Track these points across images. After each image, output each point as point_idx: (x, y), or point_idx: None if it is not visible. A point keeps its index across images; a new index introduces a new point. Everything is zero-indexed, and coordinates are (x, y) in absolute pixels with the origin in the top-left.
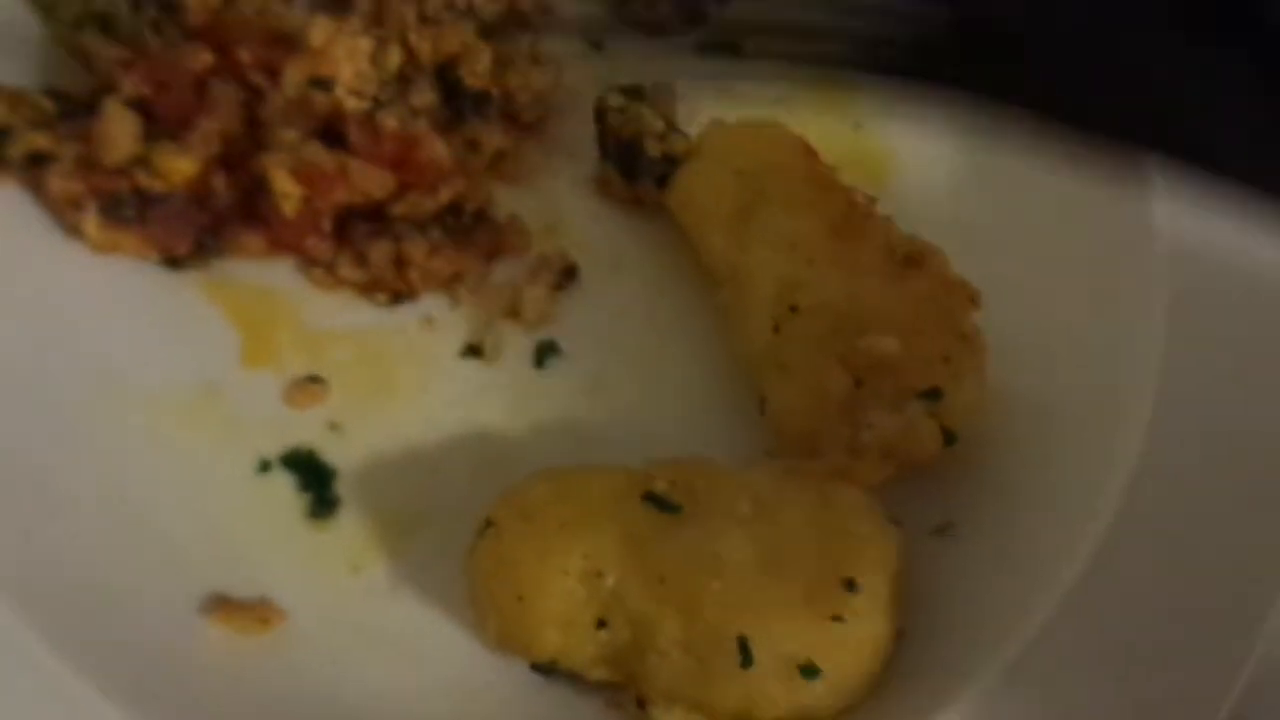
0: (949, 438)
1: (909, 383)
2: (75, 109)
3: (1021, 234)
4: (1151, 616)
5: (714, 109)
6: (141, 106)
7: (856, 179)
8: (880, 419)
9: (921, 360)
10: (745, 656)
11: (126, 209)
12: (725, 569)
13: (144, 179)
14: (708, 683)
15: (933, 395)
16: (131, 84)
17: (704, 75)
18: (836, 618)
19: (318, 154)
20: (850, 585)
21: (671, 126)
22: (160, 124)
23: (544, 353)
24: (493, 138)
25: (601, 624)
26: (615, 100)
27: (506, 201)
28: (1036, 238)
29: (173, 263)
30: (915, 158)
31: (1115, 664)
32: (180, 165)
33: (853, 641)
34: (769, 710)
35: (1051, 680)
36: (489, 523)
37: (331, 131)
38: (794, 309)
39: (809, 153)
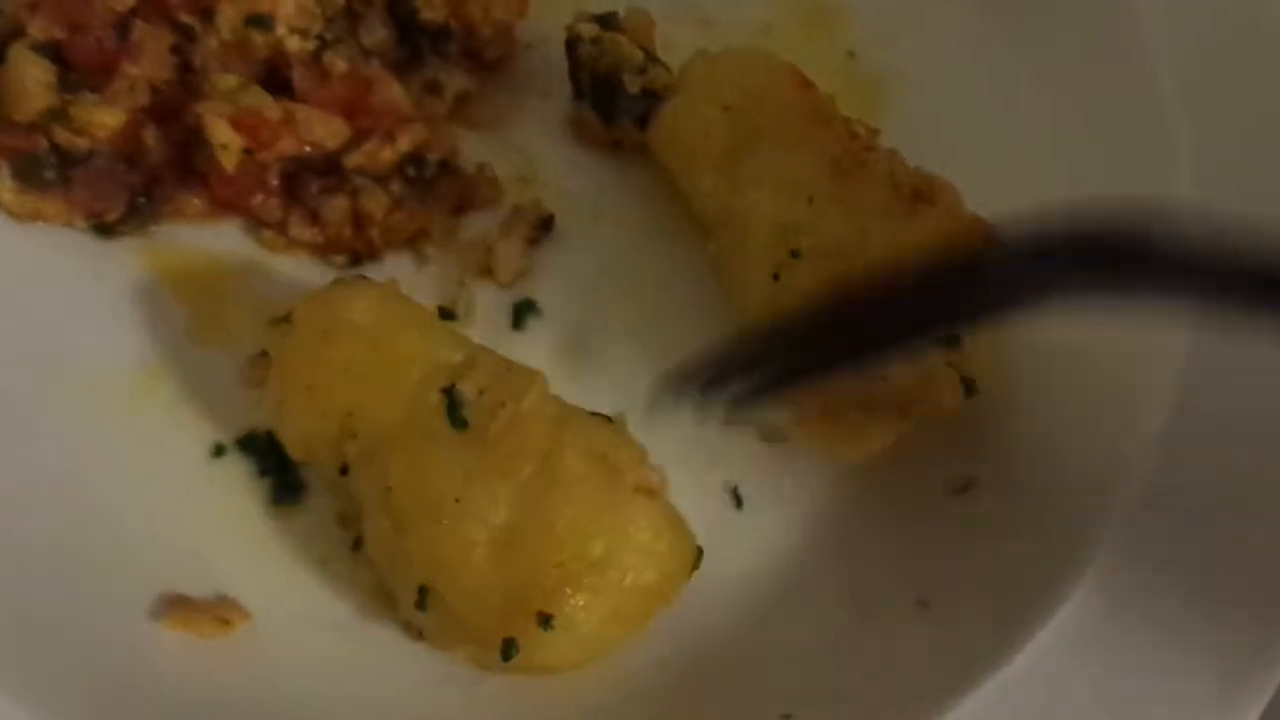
0: (969, 388)
1: None
2: None
3: (1033, 161)
4: (1187, 582)
5: (694, 38)
6: (54, 52)
7: (852, 110)
8: (895, 372)
9: None
10: (421, 600)
11: (46, 170)
12: (465, 517)
13: (63, 136)
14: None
15: (951, 343)
16: (40, 26)
17: (684, 3)
18: (543, 616)
19: (259, 99)
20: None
21: (651, 58)
22: (77, 72)
23: (522, 312)
24: (454, 78)
25: (343, 470)
26: (588, 30)
27: (473, 149)
28: (1051, 165)
29: (104, 230)
30: (914, 84)
31: (1151, 631)
32: (103, 118)
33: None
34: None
35: (1086, 648)
36: (287, 317)
37: (274, 76)
38: (794, 254)
39: (803, 83)
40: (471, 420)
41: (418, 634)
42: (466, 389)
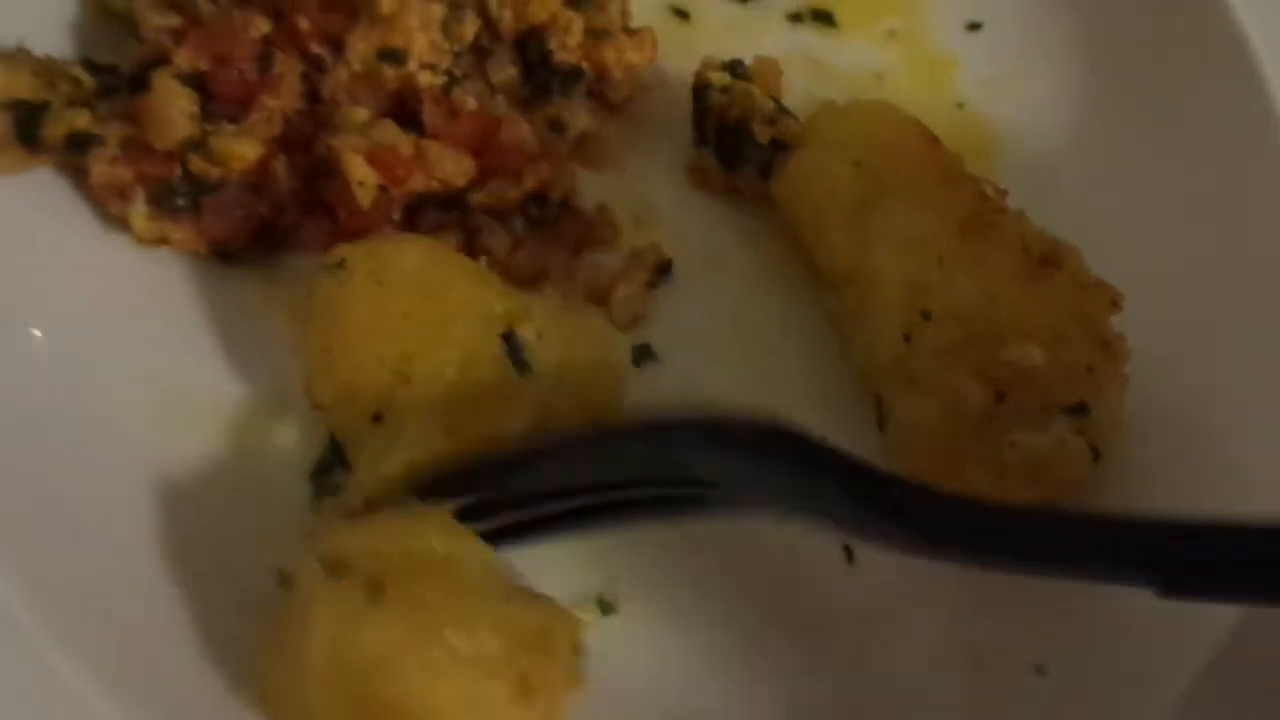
0: (1094, 455)
1: (1052, 396)
2: (117, 84)
3: (1146, 218)
4: None
5: (808, 83)
6: (196, 82)
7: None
8: (1025, 438)
9: (1064, 371)
10: None
11: (178, 198)
12: None
13: (198, 164)
14: None
15: (1079, 410)
16: (186, 56)
17: (796, 47)
18: None
19: (393, 135)
20: None
21: (781, 109)
22: (218, 103)
23: (638, 357)
24: (578, 118)
25: (377, 418)
26: (718, 78)
27: (589, 188)
28: (1165, 223)
29: (227, 257)
30: (1023, 136)
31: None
32: (242, 150)
33: None
34: None
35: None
36: (342, 264)
37: (401, 109)
38: (926, 315)
39: (930, 139)
40: (533, 363)
41: None
42: (526, 332)
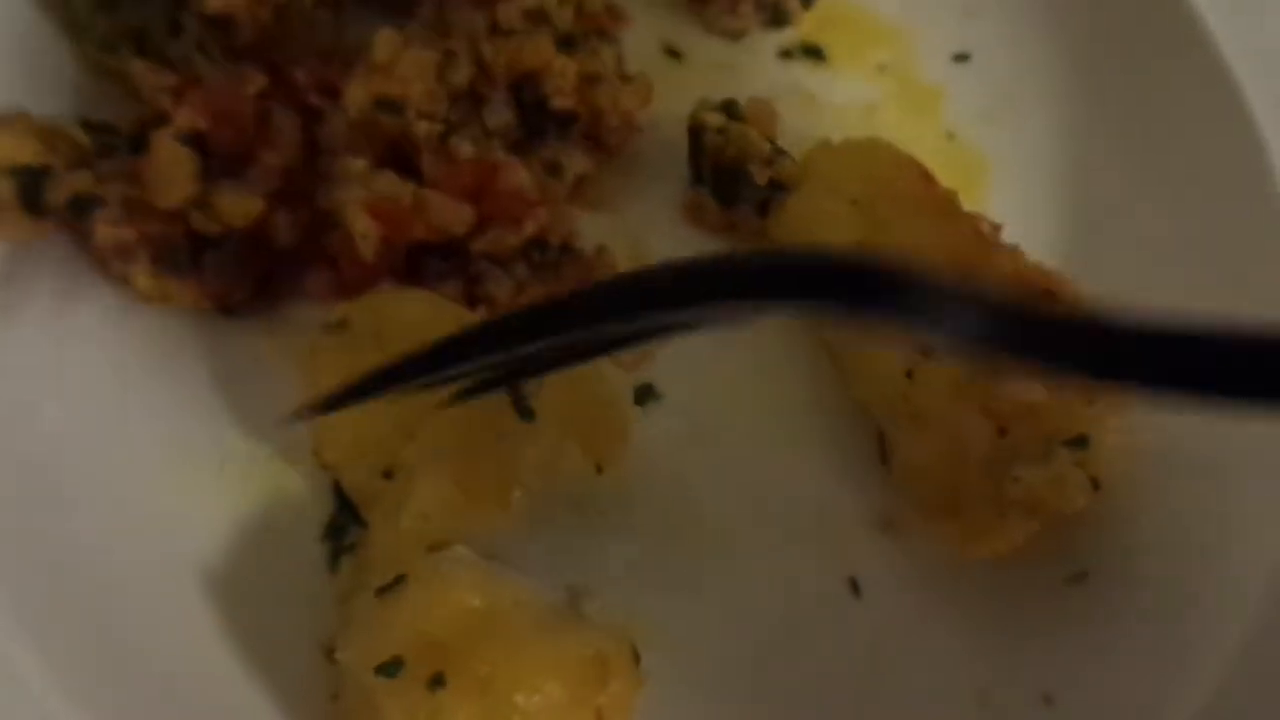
0: (1094, 486)
1: (1053, 430)
2: (116, 143)
3: (1136, 247)
4: None
5: (799, 118)
6: (196, 140)
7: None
8: (1027, 472)
9: (1063, 404)
10: None
11: (180, 255)
12: None
13: (200, 221)
14: None
15: (1079, 443)
16: (186, 116)
17: (788, 84)
18: None
19: (392, 185)
20: None
21: (778, 150)
22: (216, 159)
23: (641, 396)
24: (575, 160)
25: (387, 474)
26: (714, 120)
27: (587, 229)
28: (1158, 249)
29: (227, 310)
30: (1012, 166)
31: None
32: (244, 206)
33: None
34: None
35: None
36: (343, 323)
37: (397, 155)
38: (927, 352)
39: (926, 177)
40: (537, 408)
41: None
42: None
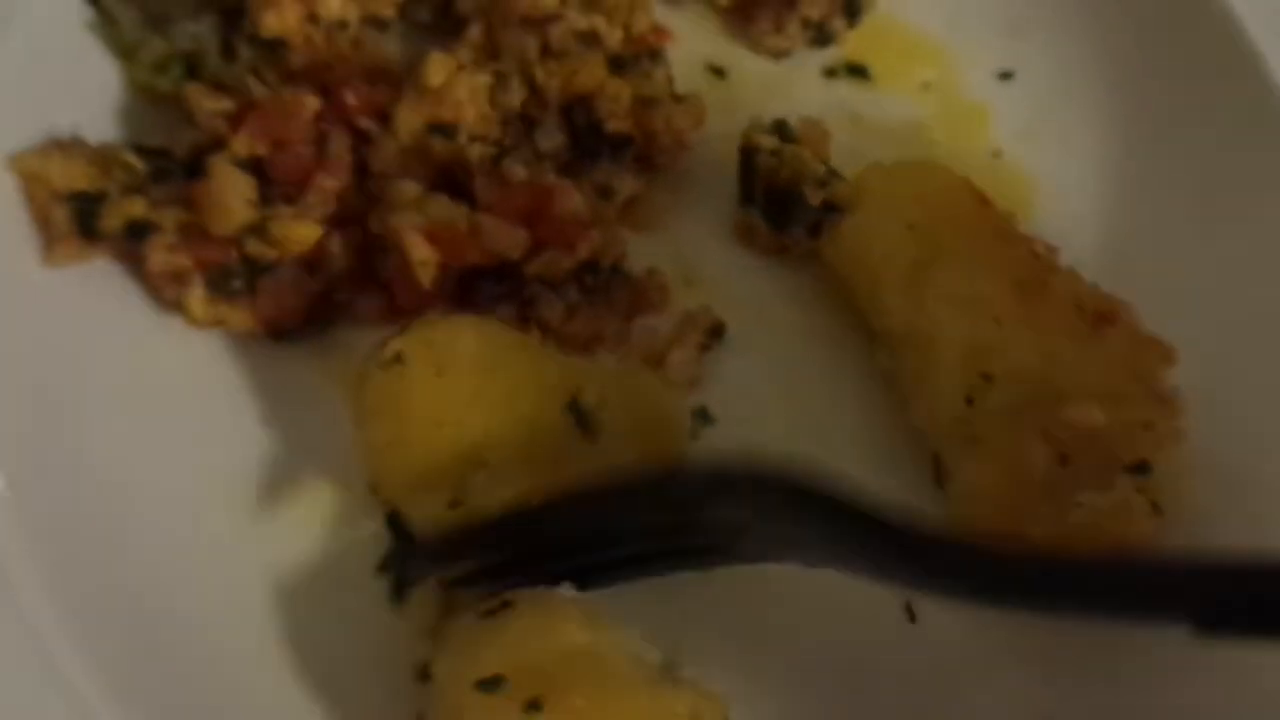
0: (1156, 511)
1: (1114, 455)
2: (170, 168)
3: (1188, 266)
4: None
5: (847, 137)
6: (252, 165)
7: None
8: (1090, 498)
9: (1124, 429)
10: None
11: (235, 281)
12: None
13: (255, 246)
14: None
15: (1141, 469)
16: (244, 142)
17: (833, 102)
18: None
19: (447, 210)
20: None
21: (831, 171)
22: (274, 186)
23: (695, 419)
24: (626, 182)
25: (454, 504)
26: (767, 142)
27: (636, 250)
28: (1201, 267)
29: (278, 334)
30: (1061, 184)
31: None
32: (301, 232)
33: None
34: None
35: None
36: (399, 357)
37: (448, 178)
38: (987, 377)
39: (981, 199)
40: (599, 427)
41: None
42: (588, 398)
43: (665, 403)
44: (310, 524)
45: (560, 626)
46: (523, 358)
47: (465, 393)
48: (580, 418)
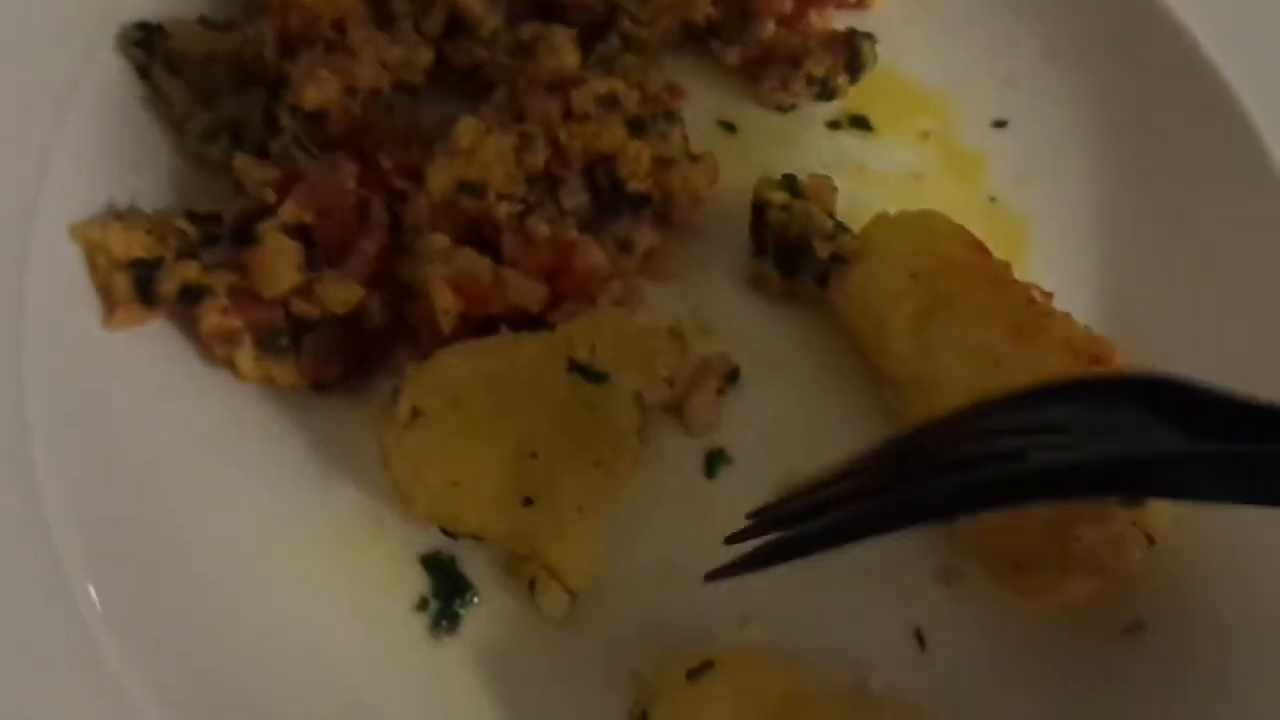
0: (1150, 542)
1: None
2: (220, 232)
3: (1175, 308)
4: None
5: (849, 186)
6: (299, 231)
7: (999, 255)
8: (1088, 531)
9: None
10: None
11: (281, 340)
12: None
13: (301, 307)
14: None
15: (1135, 502)
16: (291, 209)
17: (837, 152)
18: None
19: (474, 262)
20: None
21: (839, 225)
22: (319, 250)
23: (713, 462)
24: (644, 236)
25: (529, 501)
26: (777, 197)
27: (654, 299)
28: (1192, 311)
29: (320, 388)
30: (1054, 229)
31: None
32: (345, 294)
33: None
34: None
35: None
36: (416, 412)
37: (474, 233)
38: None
39: (980, 248)
40: (602, 370)
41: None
42: (581, 353)
43: (633, 323)
44: (347, 566)
45: (762, 684)
46: (509, 352)
47: (483, 408)
48: (584, 372)
